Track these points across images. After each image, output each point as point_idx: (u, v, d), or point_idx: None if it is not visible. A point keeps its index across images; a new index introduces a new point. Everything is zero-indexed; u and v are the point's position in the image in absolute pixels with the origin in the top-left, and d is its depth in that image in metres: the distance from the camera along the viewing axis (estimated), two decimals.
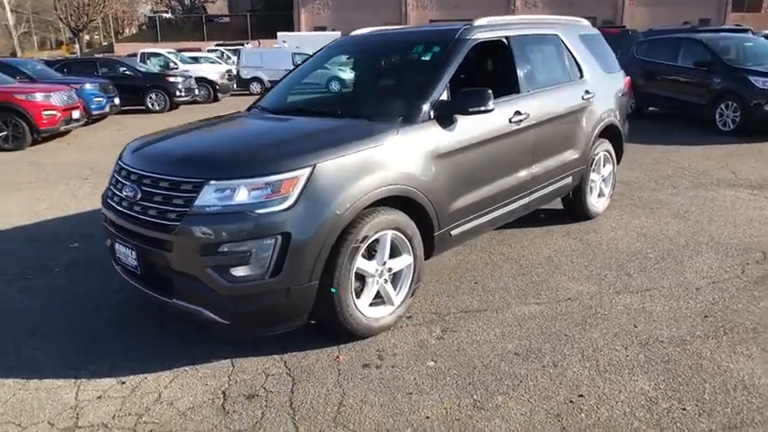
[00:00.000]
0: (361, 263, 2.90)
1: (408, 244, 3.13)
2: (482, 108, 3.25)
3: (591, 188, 4.85)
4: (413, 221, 3.14)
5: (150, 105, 15.29)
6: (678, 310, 3.26)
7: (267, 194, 2.61)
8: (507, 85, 3.87)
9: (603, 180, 5.01)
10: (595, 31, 5.09)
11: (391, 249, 3.10)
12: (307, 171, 2.67)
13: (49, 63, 15.44)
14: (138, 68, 16.16)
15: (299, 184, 2.65)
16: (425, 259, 3.42)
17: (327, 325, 2.97)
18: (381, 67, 4.23)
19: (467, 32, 3.67)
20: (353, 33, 4.42)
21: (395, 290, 3.16)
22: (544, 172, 4.13)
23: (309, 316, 2.86)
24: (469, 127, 3.40)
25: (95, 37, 59.01)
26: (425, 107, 3.22)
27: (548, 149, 4.13)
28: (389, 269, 3.09)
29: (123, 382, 2.72)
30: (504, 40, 3.92)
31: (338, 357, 2.87)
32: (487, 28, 3.83)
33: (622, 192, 5.77)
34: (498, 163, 3.69)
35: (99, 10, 39.03)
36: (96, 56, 22.65)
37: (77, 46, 38.64)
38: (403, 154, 3.04)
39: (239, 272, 2.60)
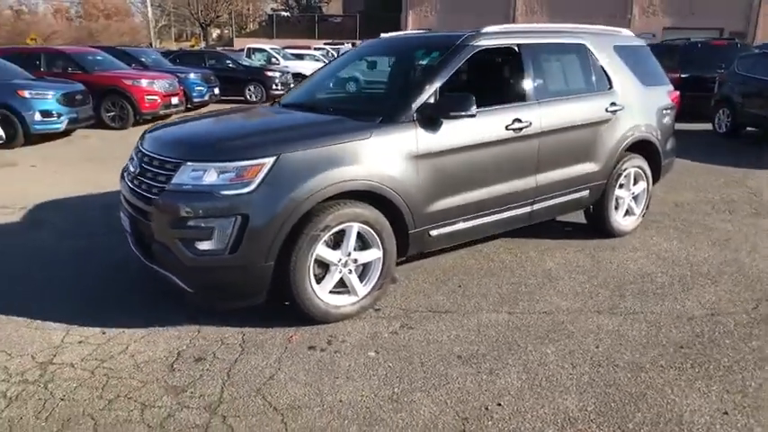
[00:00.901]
0: (322, 250, 3.06)
1: (377, 238, 3.24)
2: (463, 112, 3.28)
3: (617, 205, 4.63)
4: (385, 218, 3.24)
5: (248, 96, 16.33)
6: (654, 337, 3.09)
7: (232, 178, 2.85)
8: (511, 93, 3.84)
9: (634, 198, 4.76)
10: (637, 42, 4.83)
11: (362, 242, 3.24)
12: (271, 160, 2.88)
13: (166, 53, 17.00)
14: (241, 62, 17.31)
15: (263, 171, 2.86)
16: (403, 257, 3.52)
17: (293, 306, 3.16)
18: (383, 69, 4.33)
19: (470, 39, 3.69)
20: (380, 37, 4.56)
21: (362, 282, 3.29)
22: (552, 182, 4.03)
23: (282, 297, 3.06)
24: (457, 131, 3.43)
25: (225, 31, 63.71)
26: (408, 109, 3.31)
27: (557, 160, 4.03)
28: (355, 260, 3.21)
29: (104, 333, 3.09)
30: (515, 48, 3.88)
31: (291, 337, 3.05)
32: (496, 35, 3.82)
33: (669, 212, 5.43)
34: (491, 169, 3.68)
35: (225, 7, 42.12)
36: (205, 49, 24.45)
37: (203, 39, 41.92)
38: (376, 151, 3.15)
39: (203, 246, 2.87)
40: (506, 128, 3.66)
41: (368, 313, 3.34)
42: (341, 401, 2.50)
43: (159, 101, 11.29)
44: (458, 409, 2.45)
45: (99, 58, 11.81)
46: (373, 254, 3.27)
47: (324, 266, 3.15)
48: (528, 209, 3.98)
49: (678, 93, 5.08)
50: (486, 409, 2.46)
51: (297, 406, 2.47)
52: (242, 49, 21.60)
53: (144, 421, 2.37)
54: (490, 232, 3.94)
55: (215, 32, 51.08)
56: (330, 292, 3.20)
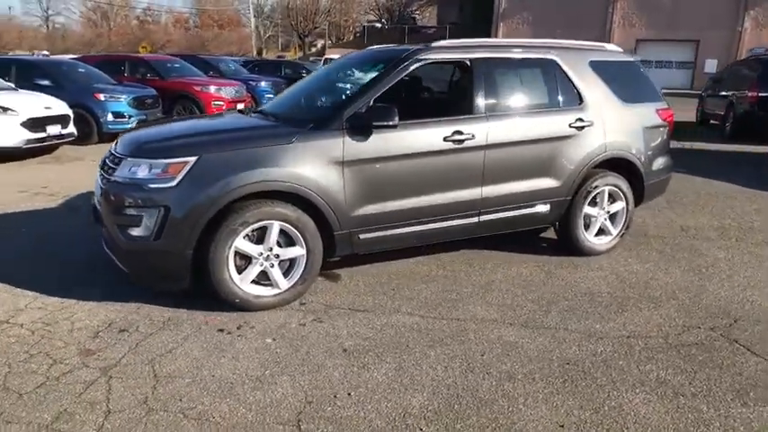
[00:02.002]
0: (241, 244, 3.38)
1: (301, 237, 3.51)
2: (384, 123, 3.48)
3: (588, 223, 4.56)
4: (309, 218, 3.50)
5: None
6: (548, 351, 3.09)
7: (158, 173, 3.26)
8: (457, 106, 3.96)
9: (611, 217, 4.64)
10: (622, 58, 4.73)
11: (288, 239, 3.52)
12: (193, 159, 3.25)
13: (246, 63, 18.25)
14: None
15: (185, 169, 3.24)
16: (332, 257, 3.75)
17: None
18: (335, 80, 4.55)
19: (416, 53, 3.87)
20: (365, 50, 4.82)
21: (286, 276, 3.56)
22: (501, 195, 4.08)
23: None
24: (387, 140, 3.62)
25: (327, 42, 66.56)
26: (339, 118, 3.55)
27: (508, 173, 4.07)
28: (276, 255, 3.50)
29: (62, 302, 3.60)
30: (467, 63, 3.99)
31: (208, 320, 3.39)
32: (446, 50, 3.97)
33: (667, 236, 5.20)
34: (428, 178, 3.81)
35: (323, 18, 44.08)
36: (280, 59, 25.75)
37: (301, 49, 44.08)
38: (298, 156, 3.42)
39: (134, 232, 3.29)
40: (444, 139, 3.79)
41: (292, 305, 3.61)
42: (213, 376, 2.79)
43: (225, 106, 12.20)
44: (309, 394, 2.66)
45: (176, 65, 12.99)
46: (297, 251, 3.54)
47: (247, 259, 3.47)
48: (474, 219, 4.06)
49: (671, 111, 4.88)
50: (335, 396, 2.64)
51: (173, 376, 2.79)
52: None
53: (46, 373, 2.79)
54: (432, 240, 4.07)
55: (319, 42, 53.62)
56: (254, 282, 3.51)
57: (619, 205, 4.64)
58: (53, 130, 8.36)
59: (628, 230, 4.80)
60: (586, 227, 4.57)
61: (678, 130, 13.35)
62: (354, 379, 2.79)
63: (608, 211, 4.61)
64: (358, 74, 4.16)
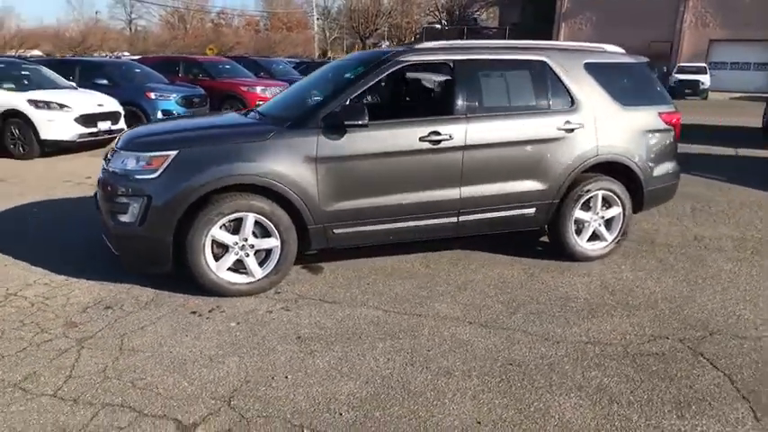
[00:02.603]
0: (217, 233, 3.60)
1: (275, 229, 3.70)
2: (355, 122, 3.60)
3: (581, 228, 4.49)
4: (284, 211, 3.69)
5: None
6: (497, 351, 3.12)
7: (144, 165, 3.53)
8: (438, 106, 4.02)
9: (607, 223, 4.55)
10: (624, 60, 4.61)
11: (264, 231, 3.72)
12: (173, 153, 3.50)
13: (298, 64, 18.79)
14: None
15: (167, 162, 3.49)
16: (308, 250, 3.92)
17: None
18: (327, 81, 4.66)
19: (397, 55, 3.97)
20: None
21: (261, 266, 3.76)
22: (482, 196, 4.10)
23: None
24: (362, 139, 3.74)
25: (387, 43, 67.11)
26: (315, 117, 3.71)
27: (489, 174, 4.08)
28: (252, 246, 3.70)
29: (67, 280, 3.96)
30: (450, 64, 4.05)
31: (185, 302, 3.64)
32: (428, 52, 4.04)
33: (676, 244, 5.02)
34: (404, 177, 3.89)
35: (384, 20, 44.49)
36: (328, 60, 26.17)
37: (363, 50, 44.63)
38: (272, 152, 3.61)
39: (122, 218, 3.58)
40: (421, 139, 3.86)
41: (267, 294, 3.80)
42: (170, 353, 3.02)
43: None
44: (250, 374, 2.83)
45: (227, 66, 13.61)
46: (271, 242, 3.73)
47: (224, 247, 3.69)
48: (453, 219, 4.11)
49: (678, 115, 4.72)
50: (272, 378, 2.81)
51: (137, 350, 3.04)
52: None
53: (30, 340, 3.12)
54: (409, 237, 4.14)
55: (384, 44, 54.22)
56: (232, 270, 3.73)
57: (614, 211, 4.54)
58: (104, 125, 9.01)
59: (624, 237, 4.69)
60: (578, 232, 4.50)
61: (738, 135, 12.68)
62: (297, 364, 2.94)
63: (602, 217, 4.52)
64: (348, 75, 4.29)
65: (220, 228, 3.61)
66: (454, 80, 4.04)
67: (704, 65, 27.93)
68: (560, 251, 4.54)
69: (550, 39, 33.81)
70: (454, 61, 4.05)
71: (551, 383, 2.82)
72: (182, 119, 4.85)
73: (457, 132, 3.94)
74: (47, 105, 8.42)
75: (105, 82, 10.78)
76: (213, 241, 3.62)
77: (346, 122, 3.63)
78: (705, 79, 26.23)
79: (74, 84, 10.02)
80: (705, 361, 3.05)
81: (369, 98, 4.79)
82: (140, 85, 10.80)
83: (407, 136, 3.86)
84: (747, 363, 3.03)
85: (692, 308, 3.73)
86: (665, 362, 3.04)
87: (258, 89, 12.61)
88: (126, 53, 45.39)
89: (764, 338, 3.31)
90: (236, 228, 3.67)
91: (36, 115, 8.30)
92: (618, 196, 4.49)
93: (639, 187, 4.56)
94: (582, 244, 4.52)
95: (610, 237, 4.58)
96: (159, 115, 10.47)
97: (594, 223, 4.52)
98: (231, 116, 4.59)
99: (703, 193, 7.05)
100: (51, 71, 9.96)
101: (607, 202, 4.52)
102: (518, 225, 4.40)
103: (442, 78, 4.25)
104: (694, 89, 26.05)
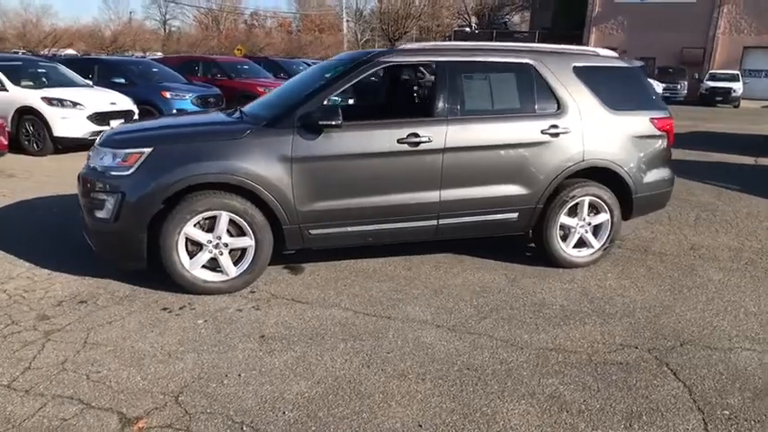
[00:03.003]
0: (191, 231, 3.64)
1: (249, 228, 3.72)
2: (329, 122, 3.61)
3: (566, 234, 4.41)
4: (258, 211, 3.71)
5: None
6: (457, 356, 3.08)
7: (119, 162, 3.60)
8: (416, 108, 4.00)
9: (594, 229, 4.46)
10: (615, 64, 4.51)
11: (239, 230, 3.75)
12: (148, 150, 3.56)
13: None
14: None
15: (141, 159, 3.55)
16: (286, 250, 3.93)
17: None
18: (308, 82, 4.65)
19: (379, 55, 3.96)
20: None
21: (236, 264, 3.79)
22: (462, 200, 4.05)
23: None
24: (337, 140, 3.74)
25: None
26: (290, 116, 3.73)
27: (469, 178, 4.04)
28: (225, 244, 3.73)
29: (49, 274, 4.05)
30: (432, 66, 4.02)
31: (159, 299, 3.69)
32: (411, 53, 4.03)
33: (670, 253, 4.89)
34: (381, 179, 3.87)
35: (414, 23, 44.49)
36: None
37: None
38: (246, 151, 3.63)
39: (98, 214, 3.65)
40: (399, 141, 3.84)
41: (241, 292, 3.83)
42: (132, 347, 3.07)
43: None
44: (204, 371, 2.85)
45: (245, 67, 13.79)
46: (246, 242, 3.75)
47: (198, 245, 3.73)
48: (433, 222, 4.07)
49: (671, 121, 4.59)
50: (226, 376, 2.82)
51: (99, 344, 3.10)
52: None
53: (0, 332, 3.20)
54: (388, 240, 4.13)
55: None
56: (207, 269, 3.76)
57: (602, 217, 4.44)
58: (116, 123, 9.19)
59: (612, 244, 4.58)
60: (564, 238, 4.42)
61: (761, 144, 12.26)
62: (254, 362, 2.96)
63: (589, 223, 4.43)
64: (328, 75, 4.29)
65: (194, 226, 3.65)
66: (436, 82, 4.01)
67: (737, 72, 27.14)
68: (545, 257, 4.46)
69: (581, 43, 33.37)
70: (437, 63, 4.03)
71: (504, 389, 2.77)
72: (167, 117, 4.92)
73: (437, 135, 3.91)
74: (60, 103, 8.66)
75: (122, 81, 11.05)
76: (187, 239, 3.67)
77: (321, 122, 3.63)
78: (737, 87, 25.48)
79: (90, 82, 10.27)
80: (668, 371, 2.97)
81: (353, 99, 4.79)
82: (156, 85, 11.03)
83: (385, 137, 3.84)
84: (711, 374, 2.94)
85: (670, 317, 3.62)
86: (627, 371, 2.96)
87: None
88: (158, 53, 46.33)
89: (736, 350, 3.20)
90: (210, 226, 3.70)
91: (49, 112, 8.54)
92: (605, 203, 4.40)
93: (628, 194, 4.45)
94: (567, 250, 4.43)
95: (597, 244, 4.49)
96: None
97: (581, 230, 4.43)
98: (215, 115, 4.64)
99: (711, 201, 6.85)
100: (68, 69, 10.24)
101: (594, 209, 4.43)
102: (501, 230, 4.34)
103: (424, 80, 4.22)
104: (725, 97, 25.35)
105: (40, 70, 9.88)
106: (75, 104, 8.75)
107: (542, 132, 4.14)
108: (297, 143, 3.70)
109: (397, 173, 3.92)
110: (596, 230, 4.49)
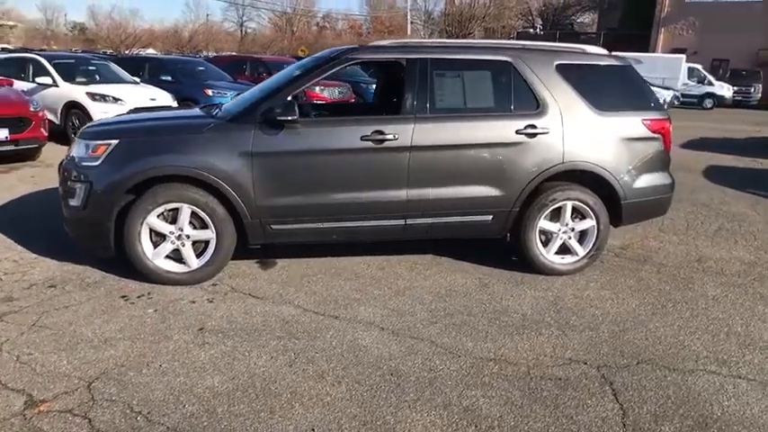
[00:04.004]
0: (154, 221, 3.73)
1: (210, 221, 3.77)
2: (285, 117, 3.59)
3: (547, 240, 4.19)
4: (219, 204, 3.75)
5: None
6: (387, 360, 2.98)
7: (90, 153, 3.74)
8: (386, 105, 3.91)
9: (579, 235, 4.20)
10: (605, 62, 4.21)
11: (202, 222, 3.81)
12: (114, 142, 3.68)
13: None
14: None
15: (108, 150, 3.68)
16: (251, 244, 3.95)
17: None
18: (278, 80, 4.59)
19: (348, 52, 3.91)
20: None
21: (199, 257, 3.85)
22: (432, 200, 3.92)
23: None
24: (298, 136, 3.72)
25: None
26: (253, 112, 3.74)
27: (437, 178, 3.91)
28: (188, 236, 3.80)
29: (35, 258, 4.27)
30: (402, 63, 3.92)
31: (121, 287, 3.80)
32: (381, 50, 3.94)
33: (669, 264, 4.54)
34: (342, 176, 3.82)
35: (478, 23, 43.88)
36: None
37: None
38: (206, 145, 3.68)
39: (71, 202, 3.81)
40: (362, 138, 3.77)
41: (204, 285, 3.88)
42: (74, 332, 3.17)
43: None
44: (129, 359, 2.91)
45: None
46: (207, 234, 3.81)
47: (162, 236, 3.81)
48: (400, 222, 3.97)
49: (666, 122, 4.25)
50: (147, 365, 2.86)
51: (46, 327, 3.22)
52: None
53: None
54: (355, 238, 4.06)
55: None
56: (172, 259, 3.84)
57: (587, 223, 4.18)
58: None
59: (599, 251, 4.30)
60: (546, 243, 4.20)
61: None
62: (180, 354, 2.98)
63: (572, 228, 4.18)
64: (297, 71, 4.27)
65: (158, 217, 3.74)
66: (404, 79, 3.91)
67: None
68: (526, 263, 4.25)
69: (648, 45, 31.78)
70: (407, 60, 3.92)
71: (419, 398, 2.65)
72: (149, 112, 5.08)
73: (403, 133, 3.81)
74: (103, 98, 9.16)
75: (169, 78, 11.53)
76: (151, 229, 3.76)
77: (279, 118, 3.62)
78: None
79: (137, 79, 10.80)
80: (609, 391, 2.74)
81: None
82: (200, 83, 11.44)
83: (348, 134, 3.78)
84: (656, 398, 2.69)
85: (637, 333, 3.35)
86: (562, 388, 2.76)
87: (316, 89, 12.87)
88: (233, 53, 48.01)
89: (698, 372, 2.92)
90: (174, 218, 3.78)
91: (93, 107, 9.06)
92: (591, 208, 4.14)
93: (616, 200, 4.17)
94: (548, 256, 4.20)
95: (582, 251, 4.23)
96: None
97: (564, 235, 4.19)
98: (193, 111, 4.72)
99: (743, 211, 6.32)
100: (117, 67, 10.81)
101: (579, 214, 4.18)
102: (475, 232, 4.18)
103: (393, 77, 4.13)
104: None
105: (90, 68, 10.50)
106: (116, 100, 9.22)
107: (517, 132, 3.94)
108: (258, 138, 3.71)
109: (361, 170, 3.85)
110: (582, 237, 4.23)
